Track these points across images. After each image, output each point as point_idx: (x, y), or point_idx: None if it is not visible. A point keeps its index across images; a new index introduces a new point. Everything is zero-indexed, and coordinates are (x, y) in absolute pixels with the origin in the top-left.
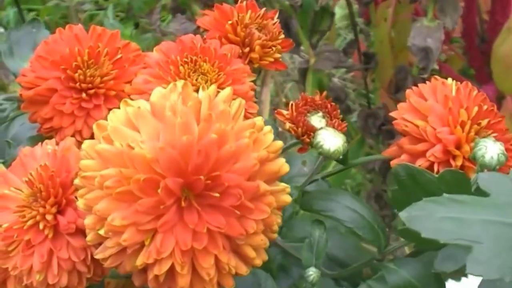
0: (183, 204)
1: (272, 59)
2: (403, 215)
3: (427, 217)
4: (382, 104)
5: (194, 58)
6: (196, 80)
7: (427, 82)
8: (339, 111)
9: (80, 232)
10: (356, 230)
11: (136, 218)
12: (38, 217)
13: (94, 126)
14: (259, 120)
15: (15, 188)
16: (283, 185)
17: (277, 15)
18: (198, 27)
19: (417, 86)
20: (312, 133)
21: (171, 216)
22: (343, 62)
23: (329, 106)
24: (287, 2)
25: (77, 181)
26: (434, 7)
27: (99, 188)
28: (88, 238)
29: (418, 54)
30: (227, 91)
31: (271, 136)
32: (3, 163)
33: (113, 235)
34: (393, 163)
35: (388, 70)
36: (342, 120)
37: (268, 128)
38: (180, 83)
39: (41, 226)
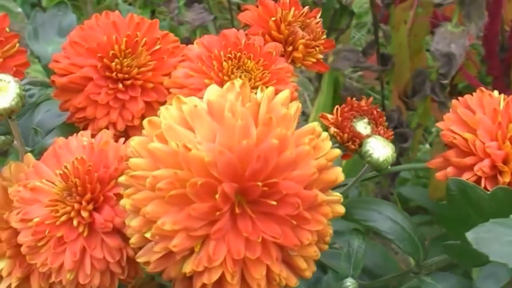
0: (237, 210)
1: (314, 60)
2: (470, 236)
3: (495, 240)
4: (396, 107)
5: (238, 54)
6: (240, 77)
7: (446, 89)
8: (384, 118)
9: (117, 231)
10: (397, 243)
11: (188, 223)
12: (72, 213)
13: (146, 123)
14: (317, 126)
15: (47, 180)
16: (336, 194)
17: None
18: (215, 18)
19: (434, 91)
20: (357, 140)
21: (225, 222)
22: (361, 63)
23: (375, 112)
24: None
25: (122, 179)
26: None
27: (150, 189)
28: (132, 240)
29: (440, 59)
30: (285, 93)
31: (329, 143)
32: (31, 151)
33: (161, 239)
34: (438, 175)
35: (405, 73)
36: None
37: (325, 134)
38: (238, 82)
39: (75, 222)
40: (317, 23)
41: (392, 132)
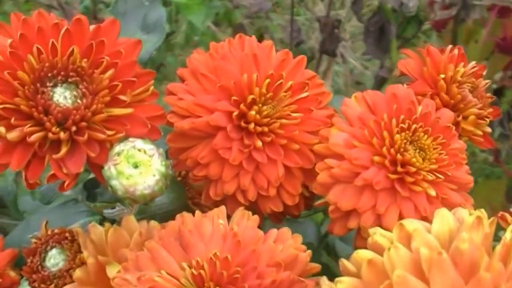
0: None
1: (481, 133)
2: None
3: None
4: None
5: (413, 126)
6: (415, 158)
7: None
8: None
9: None
10: None
11: None
12: None
13: (364, 263)
14: None
15: (169, 274)
16: None
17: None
18: (273, 4)
19: (502, 123)
20: None
21: None
22: None
23: None
24: (389, 5)
25: None
26: None
27: None
28: None
29: None
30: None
31: None
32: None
33: None
34: None
35: None
36: None
37: None
38: (486, 219)
39: None
40: (485, 84)
41: None
